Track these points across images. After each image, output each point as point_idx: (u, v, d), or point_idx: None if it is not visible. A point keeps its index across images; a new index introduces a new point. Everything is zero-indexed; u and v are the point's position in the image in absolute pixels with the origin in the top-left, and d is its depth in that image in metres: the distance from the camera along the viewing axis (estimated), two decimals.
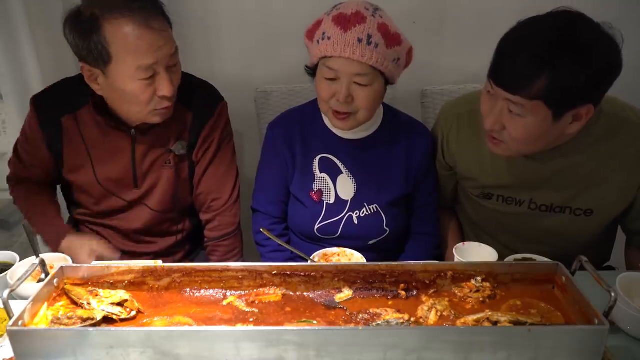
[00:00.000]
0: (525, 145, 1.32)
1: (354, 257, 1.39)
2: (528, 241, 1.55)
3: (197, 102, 1.57)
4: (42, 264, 1.08)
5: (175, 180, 1.60)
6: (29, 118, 1.55)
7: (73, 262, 1.35)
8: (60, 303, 1.08)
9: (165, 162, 1.57)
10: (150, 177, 1.58)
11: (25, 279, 1.01)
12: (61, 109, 1.51)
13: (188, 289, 1.15)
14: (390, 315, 1.06)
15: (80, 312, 1.04)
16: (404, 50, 1.42)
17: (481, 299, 1.11)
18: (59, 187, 1.73)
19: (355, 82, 1.39)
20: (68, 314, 1.03)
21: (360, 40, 1.33)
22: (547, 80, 1.17)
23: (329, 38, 1.36)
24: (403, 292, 1.13)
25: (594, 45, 1.17)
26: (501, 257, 1.36)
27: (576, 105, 1.22)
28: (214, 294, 1.15)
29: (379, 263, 1.13)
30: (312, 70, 1.49)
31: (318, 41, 1.39)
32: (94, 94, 1.45)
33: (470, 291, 1.12)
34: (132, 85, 1.36)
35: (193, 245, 1.79)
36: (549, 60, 1.17)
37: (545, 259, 1.28)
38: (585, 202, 1.44)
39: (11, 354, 0.99)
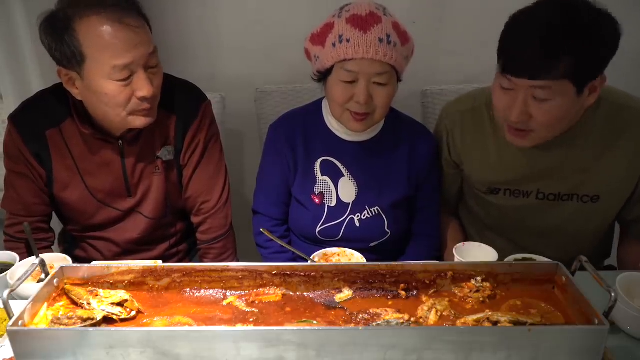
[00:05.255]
0: (553, 128, 1.34)
1: (354, 257, 1.39)
2: (535, 235, 1.57)
3: (180, 104, 1.54)
4: (42, 264, 1.08)
5: (166, 185, 1.59)
6: (11, 138, 1.48)
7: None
8: (60, 303, 1.08)
9: (155, 169, 1.56)
10: (142, 185, 1.57)
11: (25, 279, 1.01)
12: (43, 122, 1.47)
13: (188, 289, 1.15)
14: (390, 315, 1.06)
15: (80, 312, 1.04)
16: (412, 47, 1.44)
17: (481, 299, 1.11)
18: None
19: (374, 82, 1.39)
20: (68, 314, 1.03)
21: (381, 40, 1.33)
22: (571, 60, 1.22)
23: (347, 40, 1.34)
24: (403, 292, 1.13)
25: (602, 20, 1.23)
26: (507, 254, 1.36)
27: (595, 77, 1.28)
28: (214, 294, 1.14)
29: (379, 263, 1.13)
30: (322, 75, 1.47)
31: (334, 44, 1.37)
32: (76, 104, 1.43)
33: (470, 291, 1.12)
34: (108, 86, 1.32)
35: (190, 245, 1.78)
36: (567, 42, 1.22)
37: (546, 259, 1.28)
38: (591, 188, 1.46)
39: (11, 354, 0.99)
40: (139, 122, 1.41)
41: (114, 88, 1.33)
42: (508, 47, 1.29)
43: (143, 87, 1.34)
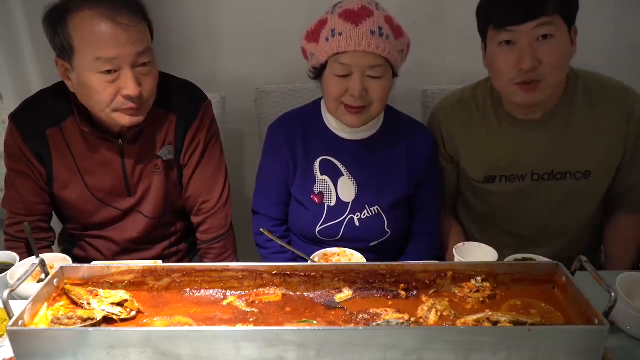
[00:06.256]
0: (559, 71, 1.40)
1: (354, 257, 1.39)
2: (533, 224, 1.61)
3: (180, 104, 1.54)
4: (42, 264, 1.08)
5: (166, 185, 1.59)
6: (12, 137, 1.49)
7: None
8: (60, 303, 1.08)
9: (155, 169, 1.56)
10: (142, 184, 1.57)
11: (25, 279, 1.01)
12: (43, 121, 1.47)
13: (188, 289, 1.15)
14: (390, 315, 1.06)
15: (80, 312, 1.04)
16: (406, 42, 1.45)
17: (481, 299, 1.10)
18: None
19: (368, 75, 1.39)
20: (68, 314, 1.03)
21: (373, 33, 1.34)
22: None
23: (340, 34, 1.36)
24: (403, 292, 1.13)
25: None
26: (506, 249, 1.36)
27: (574, 20, 1.39)
28: (214, 294, 1.14)
29: (379, 263, 1.13)
30: (318, 72, 1.48)
31: (327, 39, 1.38)
32: (77, 103, 1.44)
33: (470, 291, 1.12)
34: (93, 79, 1.33)
35: (190, 245, 1.78)
36: None
37: (545, 259, 1.29)
38: (582, 164, 1.52)
39: (11, 354, 0.99)
40: (125, 120, 1.41)
41: (99, 83, 1.34)
42: (503, 2, 1.38)
43: (128, 86, 1.34)
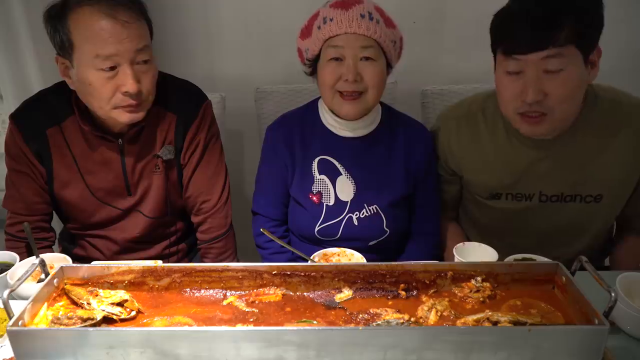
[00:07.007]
0: (568, 104, 1.33)
1: (354, 257, 1.39)
2: (538, 238, 1.56)
3: (180, 104, 1.55)
4: (42, 264, 1.08)
5: (166, 185, 1.59)
6: (12, 137, 1.49)
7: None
8: (60, 303, 1.08)
9: (155, 168, 1.56)
10: (142, 184, 1.57)
11: (25, 279, 1.00)
12: (44, 121, 1.48)
13: (188, 289, 1.15)
14: (390, 315, 1.06)
15: (80, 312, 1.04)
16: (398, 35, 1.47)
17: (481, 299, 1.10)
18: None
19: (362, 56, 1.41)
20: (68, 314, 1.03)
21: (362, 16, 1.38)
22: (573, 22, 1.24)
23: (331, 20, 1.39)
24: (403, 292, 1.13)
25: None
26: (508, 254, 1.35)
27: (594, 46, 1.30)
28: (214, 294, 1.14)
29: (379, 263, 1.13)
30: (312, 64, 1.49)
31: (319, 27, 1.42)
32: (78, 101, 1.44)
33: (470, 291, 1.12)
34: (92, 75, 1.34)
35: (189, 244, 1.78)
36: (567, 6, 1.25)
37: (545, 259, 1.28)
38: (594, 188, 1.46)
39: (11, 354, 0.99)
40: (124, 117, 1.41)
41: (98, 79, 1.34)
42: (510, 27, 1.31)
43: (127, 82, 1.35)
